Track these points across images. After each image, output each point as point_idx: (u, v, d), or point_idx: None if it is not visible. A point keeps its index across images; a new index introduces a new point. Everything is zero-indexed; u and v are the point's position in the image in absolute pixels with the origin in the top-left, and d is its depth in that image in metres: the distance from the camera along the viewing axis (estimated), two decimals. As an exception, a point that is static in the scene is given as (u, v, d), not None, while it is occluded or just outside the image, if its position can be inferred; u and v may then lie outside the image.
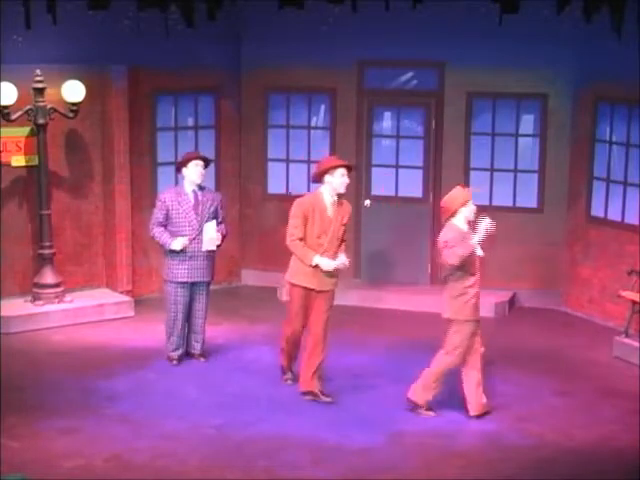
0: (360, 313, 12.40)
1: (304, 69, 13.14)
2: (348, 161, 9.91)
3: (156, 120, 12.89)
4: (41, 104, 11.64)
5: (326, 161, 9.65)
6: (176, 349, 10.53)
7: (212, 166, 13.04)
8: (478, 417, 9.20)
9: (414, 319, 12.16)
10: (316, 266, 9.44)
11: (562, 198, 12.68)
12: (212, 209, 10.37)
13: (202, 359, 10.67)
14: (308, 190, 13.48)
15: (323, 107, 13.40)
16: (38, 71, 11.59)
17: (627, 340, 10.96)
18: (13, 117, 11.54)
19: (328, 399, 9.55)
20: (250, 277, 13.83)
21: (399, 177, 13.19)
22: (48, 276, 11.94)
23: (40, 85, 11.62)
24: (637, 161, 11.70)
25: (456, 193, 9.16)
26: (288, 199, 13.53)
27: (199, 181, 10.32)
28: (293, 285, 9.65)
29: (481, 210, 9.31)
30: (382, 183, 13.23)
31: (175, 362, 10.53)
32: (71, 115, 11.90)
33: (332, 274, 9.53)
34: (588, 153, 12.31)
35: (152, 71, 12.63)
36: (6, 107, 11.43)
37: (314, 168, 9.86)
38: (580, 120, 12.42)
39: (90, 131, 12.44)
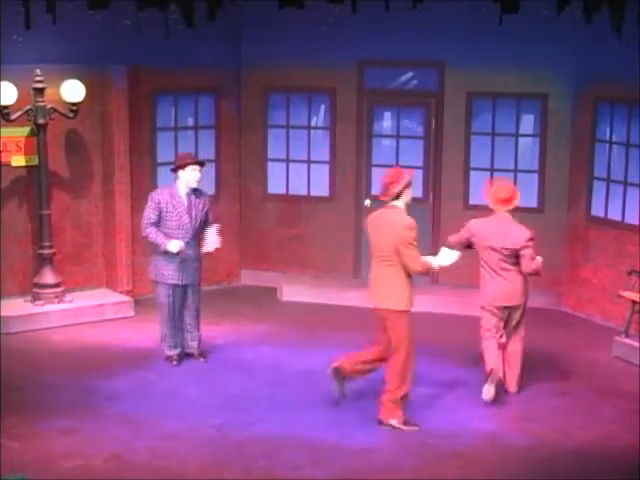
0: (360, 313, 12.38)
1: (304, 69, 13.13)
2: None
3: (156, 120, 12.89)
4: (41, 104, 11.63)
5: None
6: (173, 347, 10.51)
7: (212, 166, 13.12)
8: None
9: (414, 319, 12.12)
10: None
11: (562, 198, 12.67)
12: (204, 211, 10.38)
13: (202, 359, 10.66)
14: (308, 190, 13.57)
15: (323, 107, 13.39)
16: (38, 71, 11.58)
17: (627, 340, 10.95)
18: (13, 117, 11.54)
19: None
20: (249, 277, 13.81)
21: (399, 177, 13.19)
22: (48, 276, 11.93)
23: (40, 85, 11.62)
24: (637, 161, 11.69)
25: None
26: (288, 199, 13.63)
27: (195, 185, 10.30)
28: None
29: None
30: (382, 183, 13.23)
31: (175, 362, 10.51)
32: (71, 115, 11.90)
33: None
34: (588, 153, 12.30)
35: (152, 71, 12.63)
36: (6, 107, 11.43)
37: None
38: (580, 120, 12.41)
39: (90, 131, 12.44)
